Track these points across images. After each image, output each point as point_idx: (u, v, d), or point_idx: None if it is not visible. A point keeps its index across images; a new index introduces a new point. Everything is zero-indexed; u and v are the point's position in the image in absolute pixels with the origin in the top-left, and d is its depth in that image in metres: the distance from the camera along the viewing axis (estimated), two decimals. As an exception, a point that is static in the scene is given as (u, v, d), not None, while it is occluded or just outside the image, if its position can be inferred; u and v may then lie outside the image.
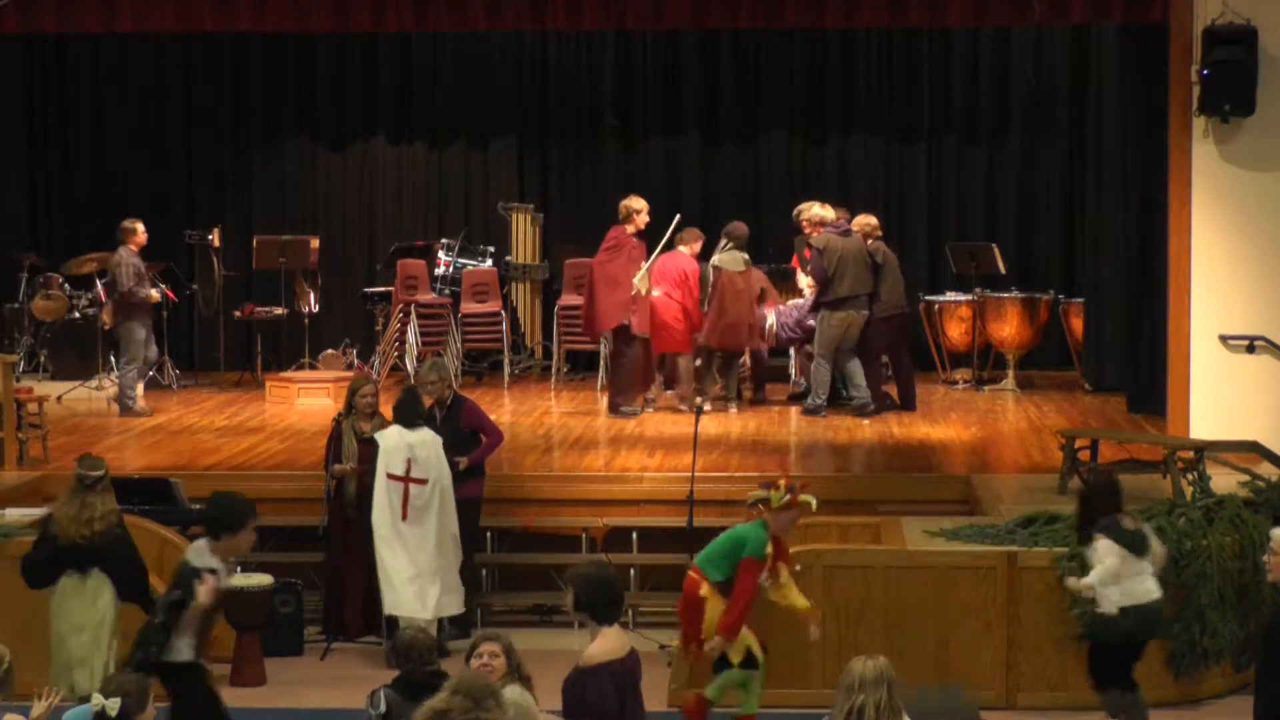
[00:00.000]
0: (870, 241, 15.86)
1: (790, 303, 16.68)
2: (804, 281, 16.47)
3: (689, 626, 9.88)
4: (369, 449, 11.96)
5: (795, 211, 16.53)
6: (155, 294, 16.50)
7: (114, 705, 6.89)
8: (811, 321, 16.04)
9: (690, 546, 11.77)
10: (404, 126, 19.29)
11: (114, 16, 14.78)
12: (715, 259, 15.97)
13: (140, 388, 16.32)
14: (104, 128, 19.11)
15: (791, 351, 16.94)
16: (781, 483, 9.83)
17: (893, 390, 16.27)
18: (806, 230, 16.13)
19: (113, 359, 16.66)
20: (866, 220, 16.03)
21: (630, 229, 15.74)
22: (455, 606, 11.63)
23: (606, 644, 7.51)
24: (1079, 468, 12.51)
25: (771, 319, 16.43)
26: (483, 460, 12.25)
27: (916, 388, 16.29)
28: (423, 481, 11.50)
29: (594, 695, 7.37)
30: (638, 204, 15.82)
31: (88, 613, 10.01)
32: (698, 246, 16.10)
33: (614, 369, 16.02)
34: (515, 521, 12.52)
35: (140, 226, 16.33)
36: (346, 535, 11.96)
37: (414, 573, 11.43)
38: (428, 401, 12.05)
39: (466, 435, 12.15)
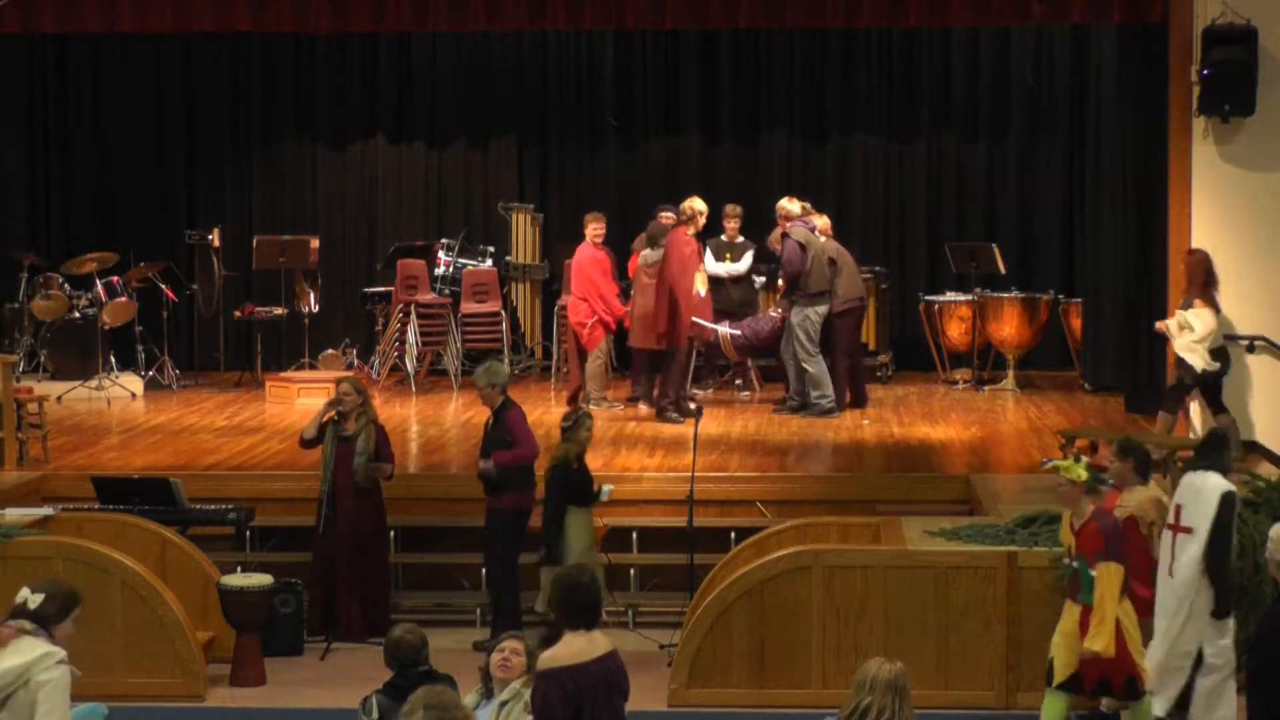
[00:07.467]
0: (825, 240, 15.88)
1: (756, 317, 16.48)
2: None
3: None
4: (349, 449, 11.95)
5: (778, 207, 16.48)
6: None
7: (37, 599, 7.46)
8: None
9: (690, 546, 11.81)
10: (404, 126, 19.28)
11: (114, 16, 14.81)
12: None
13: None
14: (104, 128, 19.09)
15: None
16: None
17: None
18: (780, 225, 16.05)
19: None
20: (824, 221, 16.03)
21: (691, 230, 15.53)
22: None
23: (564, 650, 7.39)
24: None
25: (725, 329, 16.18)
26: (508, 467, 11.71)
27: (917, 387, 16.19)
28: None
29: (540, 700, 7.29)
30: (701, 205, 15.61)
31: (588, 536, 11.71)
32: (600, 229, 16.07)
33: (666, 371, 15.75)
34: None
35: None
36: (341, 534, 11.93)
37: None
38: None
39: (508, 445, 11.78)
